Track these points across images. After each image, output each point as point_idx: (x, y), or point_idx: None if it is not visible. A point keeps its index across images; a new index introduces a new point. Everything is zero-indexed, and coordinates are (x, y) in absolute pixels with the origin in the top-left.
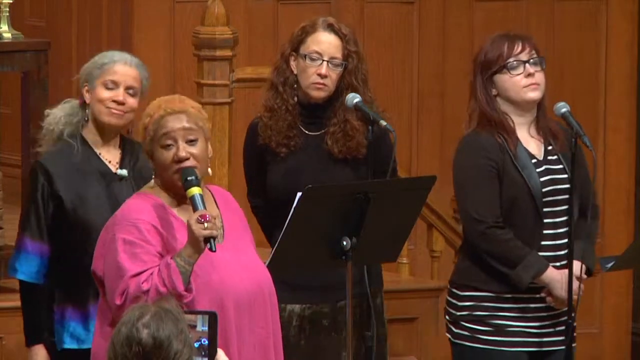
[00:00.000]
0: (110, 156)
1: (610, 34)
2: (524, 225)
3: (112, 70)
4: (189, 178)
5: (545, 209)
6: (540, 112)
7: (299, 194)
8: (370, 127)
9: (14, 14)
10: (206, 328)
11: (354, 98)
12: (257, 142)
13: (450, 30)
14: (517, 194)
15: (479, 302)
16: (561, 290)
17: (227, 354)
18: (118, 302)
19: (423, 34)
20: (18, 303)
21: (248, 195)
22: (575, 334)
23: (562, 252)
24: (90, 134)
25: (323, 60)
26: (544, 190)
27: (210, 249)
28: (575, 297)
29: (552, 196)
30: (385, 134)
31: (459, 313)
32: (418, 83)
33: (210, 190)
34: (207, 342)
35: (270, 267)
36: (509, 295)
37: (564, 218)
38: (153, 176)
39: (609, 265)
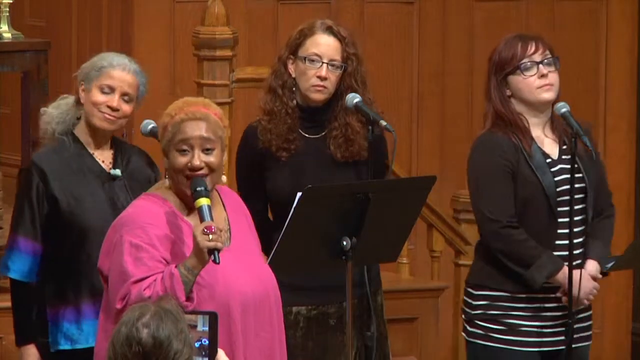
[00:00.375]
0: (103, 156)
1: (610, 34)
2: (539, 225)
3: (110, 74)
4: (198, 189)
5: (559, 209)
6: (554, 111)
7: (299, 194)
8: (370, 127)
9: (14, 14)
10: (206, 328)
11: (354, 98)
12: (257, 146)
13: (450, 30)
14: (531, 194)
15: (493, 302)
16: (576, 290)
17: (234, 358)
18: (119, 306)
19: (423, 34)
20: None
21: (246, 200)
22: (590, 333)
23: (577, 252)
24: (83, 134)
25: (323, 63)
26: (558, 189)
27: (214, 261)
28: (591, 297)
29: (567, 195)
30: (381, 133)
31: (473, 312)
32: (418, 83)
33: (218, 192)
34: (207, 342)
35: (271, 267)
36: (523, 295)
37: (579, 217)
38: (166, 176)
39: (609, 265)
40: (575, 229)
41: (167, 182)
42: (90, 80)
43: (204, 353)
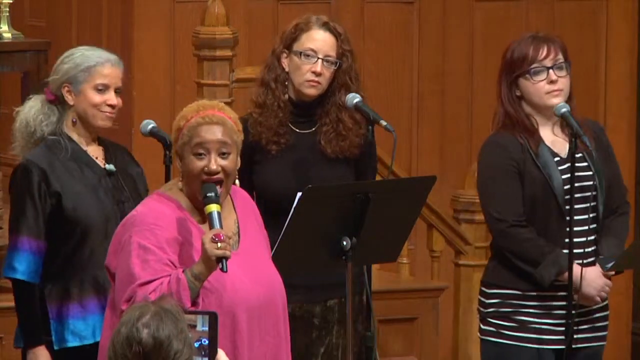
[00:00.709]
0: (95, 153)
1: (610, 34)
2: (547, 223)
3: (102, 73)
4: (208, 194)
5: (568, 207)
6: None
7: (299, 194)
8: (370, 127)
9: (14, 14)
10: (206, 328)
11: (354, 98)
12: (247, 139)
13: (450, 30)
14: (538, 193)
15: (505, 300)
16: (588, 288)
17: None
18: (124, 307)
19: (423, 34)
20: None
21: None
22: (606, 333)
23: (589, 249)
24: (74, 133)
25: (318, 58)
26: (566, 187)
27: (222, 270)
28: (603, 293)
29: (580, 193)
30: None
31: (485, 310)
32: (418, 83)
33: (230, 193)
34: (207, 342)
35: None
36: (534, 293)
37: (590, 215)
38: (180, 178)
39: (609, 265)
40: (586, 227)
41: (179, 183)
42: (79, 82)
43: (203, 353)
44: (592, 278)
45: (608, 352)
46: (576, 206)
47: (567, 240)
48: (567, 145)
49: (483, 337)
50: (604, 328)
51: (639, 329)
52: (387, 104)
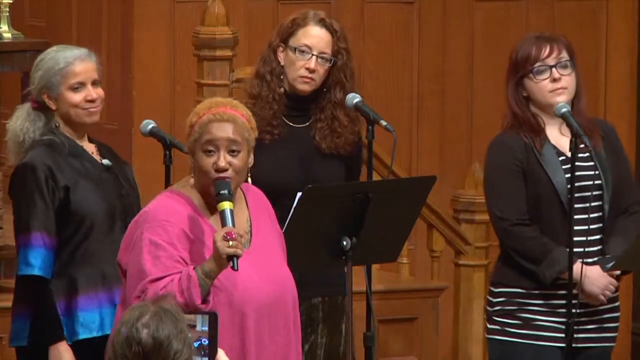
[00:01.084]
0: (89, 148)
1: (610, 34)
2: (551, 222)
3: (73, 72)
4: (221, 192)
5: (576, 205)
6: (574, 111)
7: (299, 194)
8: (370, 127)
9: (14, 14)
10: (206, 328)
11: (354, 98)
12: None
13: (450, 30)
14: (542, 191)
15: (509, 298)
16: (591, 286)
17: None
18: (134, 303)
19: (423, 34)
20: None
21: None
22: (615, 334)
23: (594, 249)
24: (67, 131)
25: (312, 55)
26: (569, 187)
27: (233, 268)
28: (608, 292)
29: (580, 192)
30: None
31: (492, 309)
32: (418, 83)
33: (242, 190)
34: (207, 341)
35: None
36: (538, 292)
37: (595, 215)
38: (192, 174)
39: (609, 265)
40: (586, 227)
41: (191, 180)
42: (55, 87)
43: (203, 353)
44: (595, 276)
45: None
46: (579, 205)
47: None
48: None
49: (489, 337)
50: (613, 329)
51: (639, 329)
52: (387, 104)
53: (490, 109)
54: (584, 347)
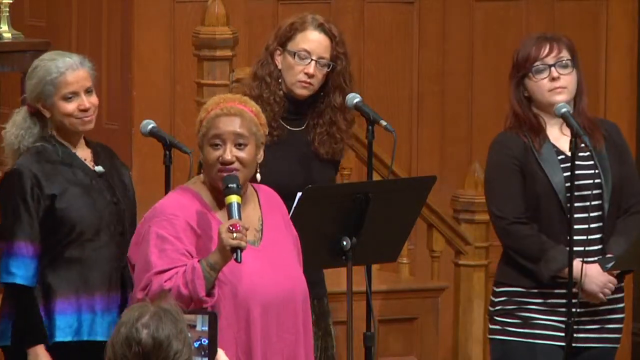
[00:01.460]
0: (84, 155)
1: (611, 34)
2: (550, 221)
3: (65, 82)
4: (229, 185)
5: (575, 204)
6: (575, 110)
7: (299, 194)
8: (370, 127)
9: (14, 14)
10: (206, 328)
11: (354, 98)
12: None
13: (450, 30)
14: (540, 191)
15: (510, 297)
16: (591, 284)
17: (251, 358)
18: (139, 296)
19: (423, 34)
20: None
21: None
22: (619, 336)
23: (595, 248)
24: (61, 137)
25: (311, 60)
26: (567, 185)
27: (236, 260)
28: (607, 290)
29: (580, 191)
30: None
31: (493, 309)
32: (418, 83)
33: (256, 190)
34: (206, 341)
35: None
36: (537, 291)
37: (595, 214)
38: (202, 171)
39: (609, 265)
40: (586, 226)
41: (202, 176)
42: (48, 96)
43: (203, 353)
44: (594, 275)
45: None
46: (578, 204)
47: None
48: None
49: (491, 337)
50: (616, 330)
51: (639, 329)
52: (387, 104)
53: (490, 109)
54: (585, 346)
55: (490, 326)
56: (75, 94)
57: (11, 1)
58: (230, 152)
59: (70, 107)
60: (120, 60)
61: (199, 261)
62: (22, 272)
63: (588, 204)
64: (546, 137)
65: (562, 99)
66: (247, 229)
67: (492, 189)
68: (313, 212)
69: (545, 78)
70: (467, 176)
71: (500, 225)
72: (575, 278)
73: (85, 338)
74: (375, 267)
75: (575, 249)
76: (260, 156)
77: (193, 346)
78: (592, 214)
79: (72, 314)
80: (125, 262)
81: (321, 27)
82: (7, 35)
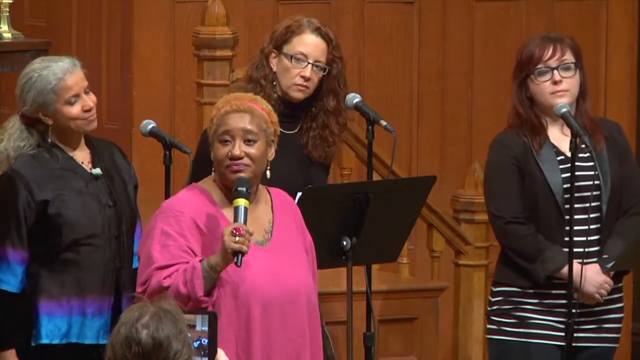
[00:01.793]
0: (82, 157)
1: (611, 34)
2: (548, 222)
3: (66, 87)
4: (239, 188)
5: (567, 206)
6: (577, 111)
7: (299, 194)
8: (370, 127)
9: (14, 14)
10: (206, 328)
11: (354, 98)
12: None
13: (450, 30)
14: (538, 191)
15: (507, 297)
16: (587, 285)
17: (249, 358)
18: (139, 290)
19: (423, 34)
20: None
21: None
22: (618, 335)
23: (593, 249)
24: (59, 141)
25: (308, 63)
26: (565, 186)
27: (236, 264)
28: (603, 291)
29: (579, 192)
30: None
31: (491, 309)
32: (418, 83)
33: (269, 193)
34: (206, 341)
35: None
36: (533, 291)
37: (593, 215)
38: (213, 170)
39: (609, 265)
40: (586, 227)
41: (214, 175)
42: (50, 104)
43: (203, 353)
44: (590, 275)
45: None
46: (580, 205)
47: (566, 238)
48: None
49: (488, 337)
50: (615, 330)
51: (639, 329)
52: (387, 104)
53: (490, 109)
54: (583, 346)
55: (488, 326)
56: (77, 96)
57: (11, 1)
58: (239, 148)
59: (75, 110)
60: (120, 60)
61: (200, 261)
62: (8, 279)
63: (587, 205)
64: (547, 138)
65: (563, 102)
66: (250, 234)
67: (490, 188)
68: (313, 212)
69: (547, 81)
70: (467, 176)
71: (497, 225)
72: (574, 280)
73: (73, 340)
74: (375, 267)
75: (575, 250)
76: (272, 154)
77: (193, 346)
78: (590, 215)
79: (62, 317)
80: (121, 265)
81: (318, 31)
82: (7, 35)
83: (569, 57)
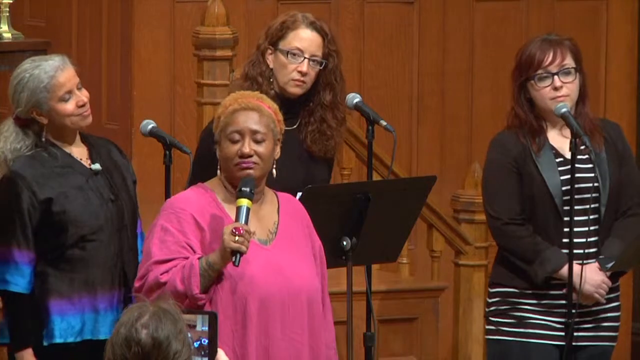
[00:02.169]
0: (80, 154)
1: (611, 34)
2: (546, 223)
3: (59, 84)
4: (243, 188)
5: (565, 207)
6: (576, 113)
7: (299, 194)
8: (370, 127)
9: (14, 14)
10: (206, 328)
11: (354, 98)
12: None
13: (450, 30)
14: (536, 193)
15: (504, 298)
16: (586, 285)
17: (245, 353)
18: (137, 284)
19: (423, 34)
20: None
21: None
22: (615, 334)
23: (591, 250)
24: (55, 140)
25: (304, 58)
26: (564, 188)
27: (234, 263)
28: (601, 290)
29: (578, 194)
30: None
31: (488, 309)
32: (418, 83)
33: (277, 196)
34: (206, 341)
35: None
36: (531, 291)
37: (592, 216)
38: (219, 169)
39: (609, 265)
40: (586, 228)
41: (220, 175)
42: (44, 103)
43: (203, 353)
44: (589, 275)
45: None
46: (579, 207)
47: (564, 240)
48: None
49: (487, 337)
50: (612, 328)
51: (639, 328)
52: (387, 104)
53: (490, 109)
54: (581, 345)
55: (486, 326)
56: (70, 92)
57: (11, 1)
58: (248, 145)
59: (70, 106)
60: (120, 60)
61: (199, 259)
62: (16, 280)
63: (588, 207)
64: (546, 140)
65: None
66: (251, 234)
67: (488, 189)
68: (313, 212)
69: (547, 86)
70: (467, 176)
71: (495, 226)
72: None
73: (88, 337)
74: (375, 267)
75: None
76: (277, 152)
77: (193, 346)
78: (589, 217)
79: (74, 315)
80: (127, 259)
81: (313, 25)
82: (7, 35)
83: (569, 62)
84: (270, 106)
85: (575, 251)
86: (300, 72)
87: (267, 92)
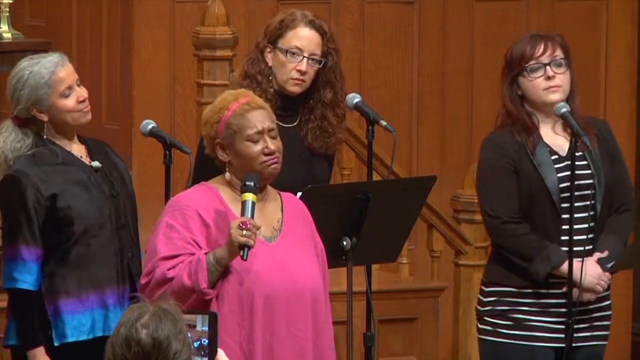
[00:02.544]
0: (79, 152)
1: (611, 34)
2: (544, 221)
3: (59, 79)
4: (247, 183)
5: (563, 205)
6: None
7: (299, 194)
8: (370, 127)
9: (14, 14)
10: (206, 328)
11: (354, 98)
12: None
13: (450, 30)
14: (533, 190)
15: (501, 297)
16: (587, 277)
17: (252, 349)
18: (143, 281)
19: (423, 34)
20: None
21: None
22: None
23: (589, 248)
24: (55, 137)
25: (304, 57)
26: (561, 186)
27: (242, 257)
28: (600, 288)
29: (576, 191)
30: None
31: (483, 309)
32: (418, 83)
33: (280, 195)
34: (206, 341)
35: None
36: (529, 290)
37: (588, 214)
38: (226, 170)
39: (609, 265)
40: (584, 225)
41: (227, 175)
42: (44, 99)
43: (203, 353)
44: (589, 268)
45: (608, 352)
46: (575, 204)
47: (563, 237)
48: (567, 144)
49: (481, 337)
50: (604, 327)
51: (639, 328)
52: (387, 104)
53: (490, 109)
54: (577, 346)
55: (480, 326)
56: (70, 88)
57: (11, 1)
58: (272, 143)
59: (70, 102)
60: (120, 60)
61: (206, 254)
62: (25, 277)
63: (588, 203)
64: (540, 137)
65: (556, 98)
66: (258, 228)
67: (485, 188)
68: (313, 212)
69: (540, 77)
70: (467, 176)
71: (493, 225)
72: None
73: (100, 334)
74: (375, 267)
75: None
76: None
77: (193, 346)
78: (589, 214)
79: (83, 313)
80: (132, 254)
81: (312, 24)
82: (7, 35)
83: (559, 54)
84: (263, 103)
85: (575, 248)
86: (299, 70)
87: (267, 89)
